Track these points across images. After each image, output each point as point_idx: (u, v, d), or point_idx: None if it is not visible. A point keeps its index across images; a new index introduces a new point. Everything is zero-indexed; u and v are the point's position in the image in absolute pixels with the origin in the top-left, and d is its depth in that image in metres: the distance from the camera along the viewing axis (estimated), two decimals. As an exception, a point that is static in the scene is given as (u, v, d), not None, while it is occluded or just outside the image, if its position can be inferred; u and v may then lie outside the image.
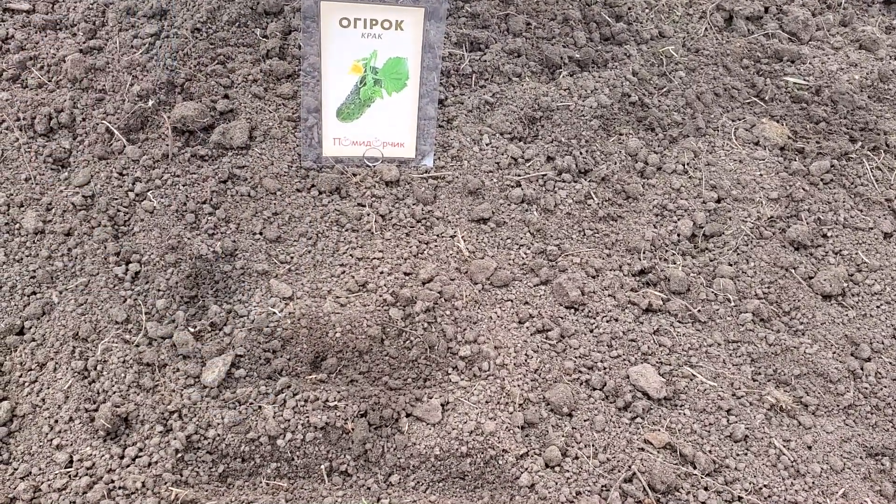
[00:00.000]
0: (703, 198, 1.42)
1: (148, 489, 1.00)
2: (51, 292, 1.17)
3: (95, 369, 1.10)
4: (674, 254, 1.36)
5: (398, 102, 1.35)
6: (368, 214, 1.29)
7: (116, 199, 1.26)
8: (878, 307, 1.34)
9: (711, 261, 1.35)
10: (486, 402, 1.12)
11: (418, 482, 1.07)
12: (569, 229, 1.35)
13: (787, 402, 1.18)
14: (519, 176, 1.38)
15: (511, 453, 1.07)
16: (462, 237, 1.30)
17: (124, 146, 1.31)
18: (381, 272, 1.22)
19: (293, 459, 1.07)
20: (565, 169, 1.40)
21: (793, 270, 1.35)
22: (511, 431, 1.09)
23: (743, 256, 1.35)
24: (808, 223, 1.42)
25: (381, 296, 1.19)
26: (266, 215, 1.26)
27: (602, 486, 1.05)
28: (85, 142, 1.31)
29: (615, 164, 1.44)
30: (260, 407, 1.08)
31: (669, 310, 1.28)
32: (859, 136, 1.57)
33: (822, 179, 1.49)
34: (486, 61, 1.53)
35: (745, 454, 1.11)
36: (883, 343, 1.29)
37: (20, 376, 1.10)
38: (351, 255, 1.24)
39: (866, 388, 1.24)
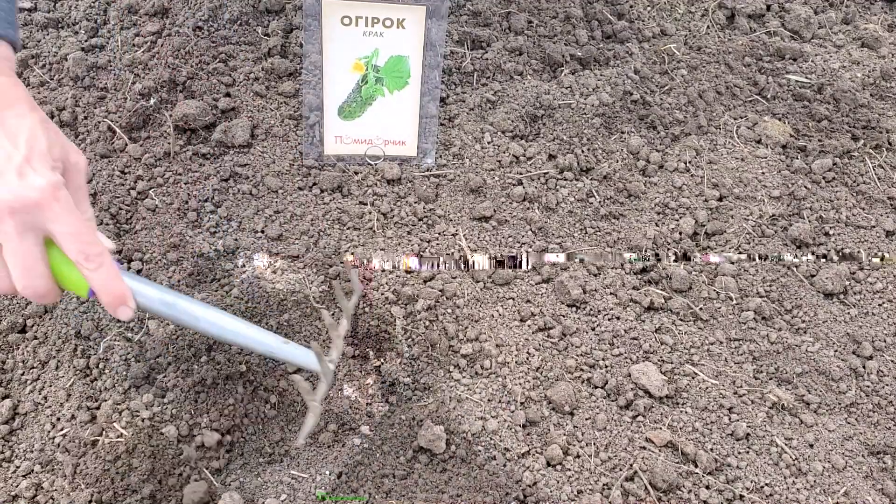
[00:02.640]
0: (705, 196, 1.42)
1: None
2: (53, 290, 1.17)
3: (97, 367, 1.10)
4: (675, 252, 1.35)
5: (400, 101, 1.35)
6: (370, 213, 1.30)
7: (118, 197, 1.26)
8: (879, 305, 1.34)
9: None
10: (489, 400, 1.12)
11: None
12: (570, 227, 1.35)
13: (789, 400, 1.18)
14: (520, 174, 1.38)
15: (513, 451, 1.07)
16: (464, 235, 1.30)
17: (126, 144, 1.31)
18: (383, 270, 1.22)
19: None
20: (567, 167, 1.40)
21: (794, 268, 1.35)
22: (513, 430, 1.09)
23: (745, 254, 1.35)
24: (809, 221, 1.42)
25: (382, 294, 1.19)
26: (268, 213, 1.27)
27: (603, 485, 1.05)
28: (87, 140, 1.31)
29: (617, 162, 1.44)
30: (262, 405, 1.08)
31: (671, 308, 1.28)
32: (861, 135, 1.57)
33: (823, 177, 1.49)
34: (487, 59, 1.53)
35: (747, 452, 1.11)
36: (885, 341, 1.29)
37: (22, 374, 1.10)
38: (353, 253, 1.24)
39: (868, 387, 1.24)
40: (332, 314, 1.12)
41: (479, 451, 1.06)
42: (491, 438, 1.07)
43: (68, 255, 0.86)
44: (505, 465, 1.05)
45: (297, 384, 0.92)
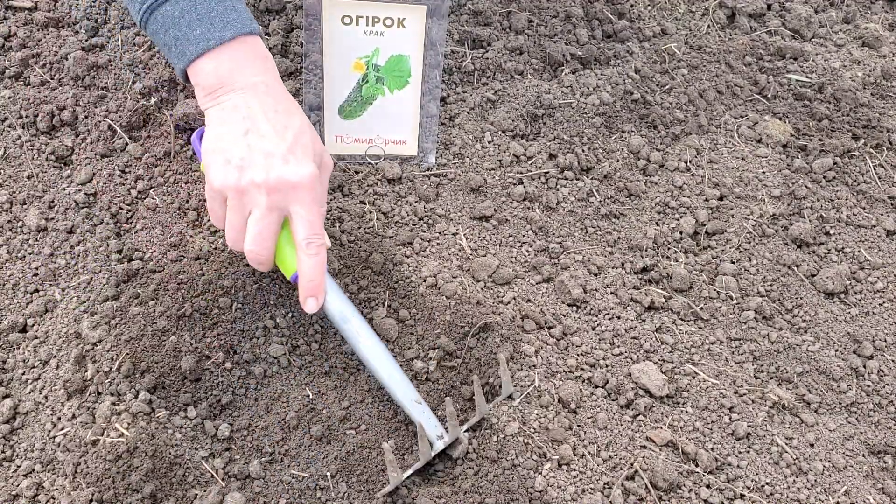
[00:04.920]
0: (706, 195, 1.42)
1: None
2: (53, 290, 1.17)
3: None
4: (676, 251, 1.36)
5: (400, 100, 1.35)
6: (370, 212, 1.30)
7: (118, 196, 1.26)
8: (880, 304, 1.34)
9: (714, 258, 1.35)
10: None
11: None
12: (571, 227, 1.35)
13: (790, 399, 1.18)
14: (521, 173, 1.38)
15: (522, 451, 1.07)
16: (464, 235, 1.30)
17: (126, 144, 1.32)
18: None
19: (295, 457, 1.07)
20: (567, 166, 1.40)
21: (795, 268, 1.35)
22: (521, 428, 1.09)
23: (745, 254, 1.35)
24: (810, 221, 1.42)
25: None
26: (268, 213, 1.26)
27: (604, 484, 1.05)
28: (87, 139, 1.31)
29: (617, 161, 1.44)
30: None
31: (671, 307, 1.28)
32: (862, 134, 1.57)
33: (824, 177, 1.49)
34: (488, 59, 1.53)
35: (748, 452, 1.11)
36: (885, 341, 1.29)
37: (23, 373, 1.10)
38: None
39: (868, 386, 1.24)
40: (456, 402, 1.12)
41: (492, 450, 1.06)
42: (498, 435, 1.07)
43: (295, 237, 0.98)
44: (515, 466, 1.05)
45: (385, 452, 0.98)
